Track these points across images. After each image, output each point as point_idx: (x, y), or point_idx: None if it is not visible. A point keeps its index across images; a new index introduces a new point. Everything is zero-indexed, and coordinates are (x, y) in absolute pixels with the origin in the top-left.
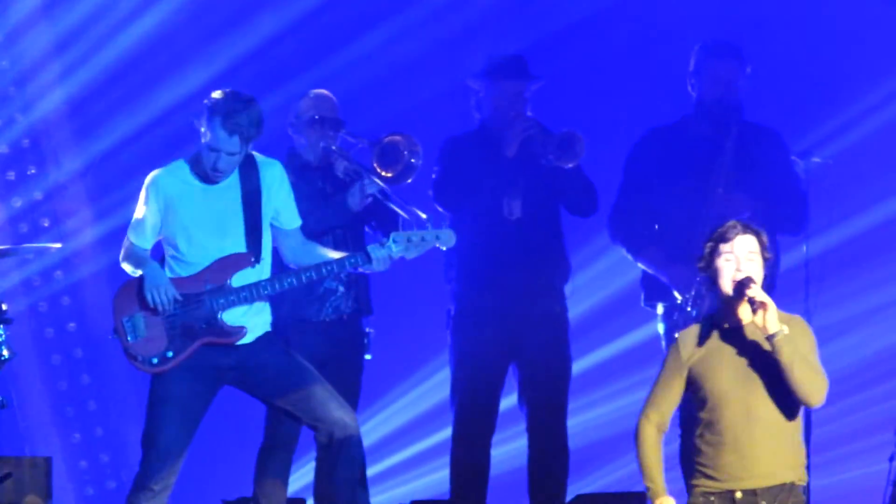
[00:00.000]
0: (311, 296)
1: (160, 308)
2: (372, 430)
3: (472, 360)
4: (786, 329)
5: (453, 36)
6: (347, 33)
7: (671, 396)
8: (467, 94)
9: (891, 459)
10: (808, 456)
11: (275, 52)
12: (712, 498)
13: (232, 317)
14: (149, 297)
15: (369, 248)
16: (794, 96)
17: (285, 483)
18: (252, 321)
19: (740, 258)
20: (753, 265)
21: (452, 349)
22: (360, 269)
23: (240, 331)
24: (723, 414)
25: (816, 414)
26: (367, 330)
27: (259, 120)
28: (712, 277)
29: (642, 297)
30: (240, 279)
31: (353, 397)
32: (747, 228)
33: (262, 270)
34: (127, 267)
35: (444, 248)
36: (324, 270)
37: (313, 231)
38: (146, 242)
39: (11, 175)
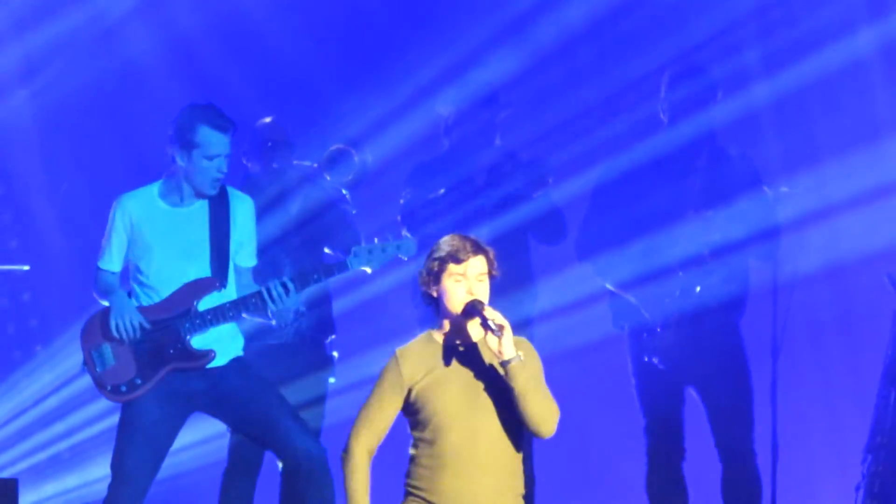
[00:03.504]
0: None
1: (125, 336)
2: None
3: None
4: (521, 355)
5: (425, 59)
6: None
7: (387, 415)
8: (436, 119)
9: (856, 489)
10: (774, 483)
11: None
12: None
13: (200, 341)
14: (113, 326)
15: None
16: (764, 124)
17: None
18: (222, 345)
19: (471, 279)
20: (483, 287)
21: None
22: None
23: (208, 354)
24: (446, 436)
25: (783, 437)
26: (332, 353)
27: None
28: (434, 294)
29: (611, 318)
30: (205, 304)
31: (316, 421)
32: (479, 249)
33: (227, 295)
34: (98, 296)
35: (406, 258)
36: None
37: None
38: (114, 265)
39: None
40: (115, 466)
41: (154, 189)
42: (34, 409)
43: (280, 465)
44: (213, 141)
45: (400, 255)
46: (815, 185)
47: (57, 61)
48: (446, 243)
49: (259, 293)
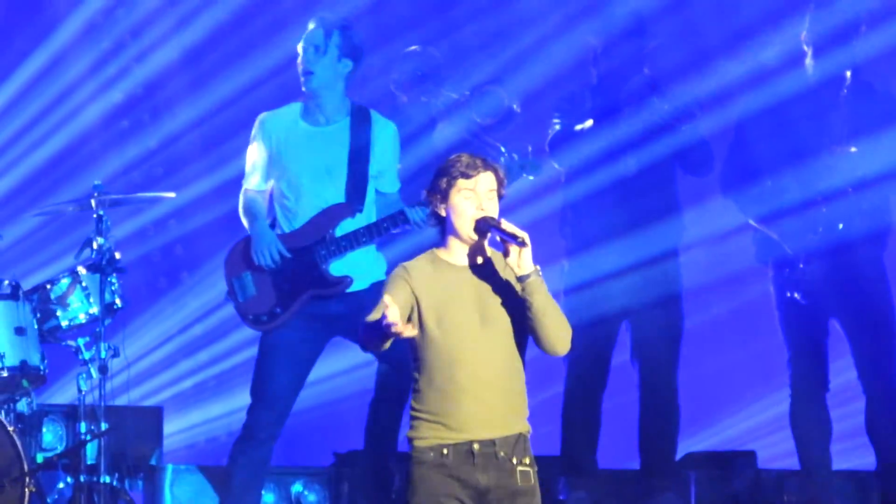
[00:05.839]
0: None
1: (266, 266)
2: None
3: (586, 316)
4: (539, 269)
5: None
6: None
7: (401, 307)
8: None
9: None
10: None
11: (388, 8)
12: (445, 451)
13: (339, 266)
14: (255, 258)
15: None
16: None
17: (395, 436)
18: (362, 269)
19: (481, 196)
20: (493, 204)
21: (565, 305)
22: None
23: (344, 279)
24: (462, 358)
25: None
26: None
27: (346, 28)
28: (443, 213)
29: (754, 253)
30: (342, 229)
31: None
32: (488, 165)
33: (364, 220)
34: (243, 219)
35: (531, 178)
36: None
37: None
38: (259, 184)
39: (125, 124)
40: (256, 391)
41: (296, 108)
42: (179, 336)
43: None
44: (307, 29)
45: (525, 175)
46: None
47: None
48: (454, 160)
49: (392, 217)
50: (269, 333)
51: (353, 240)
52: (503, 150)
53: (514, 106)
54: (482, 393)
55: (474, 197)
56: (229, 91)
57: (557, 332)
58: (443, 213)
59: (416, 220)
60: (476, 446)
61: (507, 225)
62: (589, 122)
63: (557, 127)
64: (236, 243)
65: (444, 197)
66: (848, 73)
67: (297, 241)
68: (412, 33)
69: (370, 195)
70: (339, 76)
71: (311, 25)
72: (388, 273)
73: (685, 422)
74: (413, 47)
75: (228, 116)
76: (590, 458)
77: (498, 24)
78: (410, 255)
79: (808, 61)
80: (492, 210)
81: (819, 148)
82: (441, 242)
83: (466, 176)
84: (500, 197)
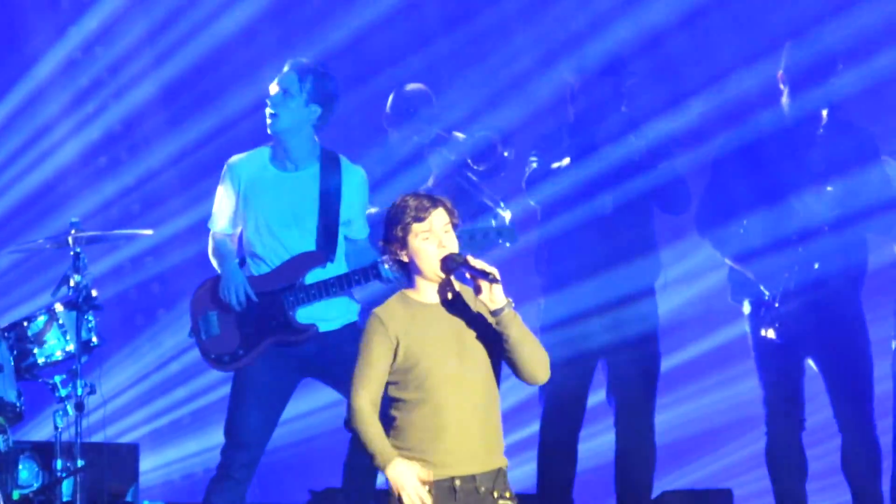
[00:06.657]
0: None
1: (233, 307)
2: None
3: (562, 354)
4: (511, 301)
5: (550, 29)
6: (438, 27)
7: (381, 371)
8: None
9: None
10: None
11: (366, 46)
12: (427, 488)
13: (307, 313)
14: (222, 296)
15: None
16: (887, 95)
17: (375, 473)
18: (335, 310)
19: (439, 234)
20: (451, 237)
21: (541, 343)
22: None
23: (309, 328)
24: (443, 395)
25: None
26: None
27: (320, 75)
28: (405, 259)
29: (729, 292)
30: (312, 277)
31: None
32: (436, 202)
33: (334, 269)
34: (212, 260)
35: (508, 245)
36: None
37: None
38: (226, 227)
39: (103, 161)
40: (229, 431)
41: (265, 152)
42: (156, 374)
43: None
44: (282, 71)
45: (501, 242)
46: None
47: (181, 26)
48: (402, 206)
49: (364, 270)
50: (240, 373)
51: (323, 289)
52: (493, 223)
53: (507, 153)
54: (464, 428)
55: (432, 236)
56: (207, 129)
57: (536, 361)
58: (405, 259)
59: (388, 276)
60: (457, 482)
61: (474, 262)
62: (566, 160)
63: (535, 165)
64: (204, 282)
65: (403, 244)
66: (824, 112)
67: (266, 286)
68: (389, 71)
69: (341, 243)
70: (305, 121)
71: (286, 68)
72: (360, 314)
73: (661, 460)
74: (416, 85)
75: (206, 154)
76: (566, 497)
77: (475, 62)
78: (384, 295)
79: (785, 99)
80: (451, 244)
81: (795, 186)
82: (409, 284)
83: (419, 219)
84: (455, 226)
